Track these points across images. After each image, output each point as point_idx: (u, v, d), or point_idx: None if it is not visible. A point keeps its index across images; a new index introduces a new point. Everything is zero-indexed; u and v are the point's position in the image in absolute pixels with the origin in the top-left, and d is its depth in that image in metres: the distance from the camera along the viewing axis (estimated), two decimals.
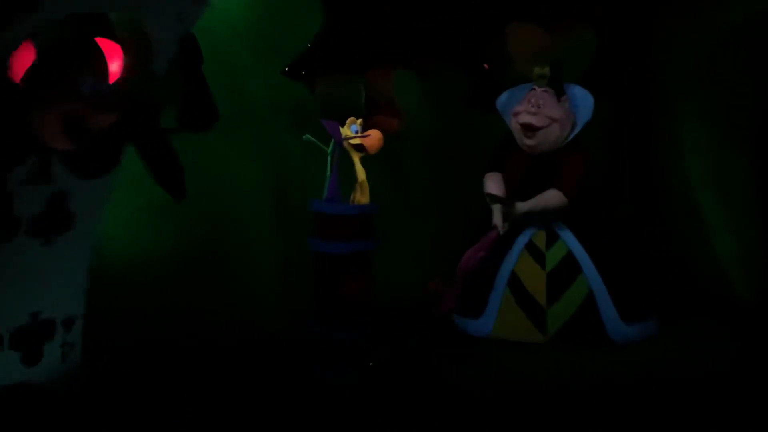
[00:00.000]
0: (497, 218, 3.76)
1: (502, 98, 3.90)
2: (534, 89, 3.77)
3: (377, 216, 3.29)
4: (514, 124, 3.81)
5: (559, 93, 3.74)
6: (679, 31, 4.34)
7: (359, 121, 3.26)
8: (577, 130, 3.75)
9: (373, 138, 3.21)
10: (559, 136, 3.71)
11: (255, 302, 3.48)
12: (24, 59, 2.13)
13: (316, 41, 3.83)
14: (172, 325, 3.20)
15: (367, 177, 3.60)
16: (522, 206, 3.72)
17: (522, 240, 3.76)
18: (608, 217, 3.92)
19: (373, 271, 3.24)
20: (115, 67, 2.26)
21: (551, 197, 3.68)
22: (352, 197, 3.24)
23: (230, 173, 3.47)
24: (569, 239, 3.71)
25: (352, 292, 3.11)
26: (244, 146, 3.55)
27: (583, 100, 3.77)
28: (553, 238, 3.73)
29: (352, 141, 3.18)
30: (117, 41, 2.26)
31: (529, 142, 3.73)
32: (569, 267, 3.68)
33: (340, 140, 3.13)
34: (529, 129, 3.70)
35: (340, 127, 3.19)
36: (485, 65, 4.60)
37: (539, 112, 3.68)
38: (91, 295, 2.67)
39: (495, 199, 3.76)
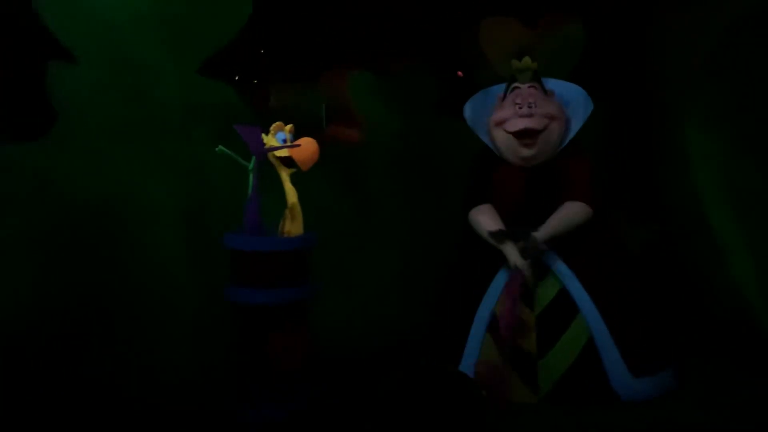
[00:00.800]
0: (515, 259, 2.97)
1: (469, 109, 3.22)
2: (518, 87, 3.07)
3: (326, 247, 2.68)
4: (499, 136, 3.11)
5: (543, 87, 3.10)
6: (680, 23, 3.87)
7: (289, 127, 2.55)
8: (575, 130, 3.09)
9: (305, 149, 2.50)
10: (558, 137, 3.05)
11: (162, 370, 2.75)
12: None
13: (246, 35, 3.11)
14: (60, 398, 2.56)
15: (321, 197, 3.11)
16: (543, 233, 2.97)
17: (503, 275, 3.05)
18: (610, 242, 3.21)
19: (328, 312, 2.70)
20: None
21: (574, 211, 2.99)
22: (280, 227, 2.51)
23: (131, 196, 2.78)
24: (563, 272, 3.01)
25: (283, 353, 2.36)
26: (150, 161, 2.86)
27: (571, 93, 3.11)
28: (542, 271, 3.03)
29: (277, 153, 2.45)
30: None
31: (527, 152, 3.03)
32: (564, 307, 2.98)
33: (258, 151, 2.40)
34: (527, 136, 3.00)
35: (264, 135, 2.46)
36: (459, 73, 4.17)
37: (534, 113, 2.99)
38: None
39: (503, 235, 2.98)
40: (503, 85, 3.19)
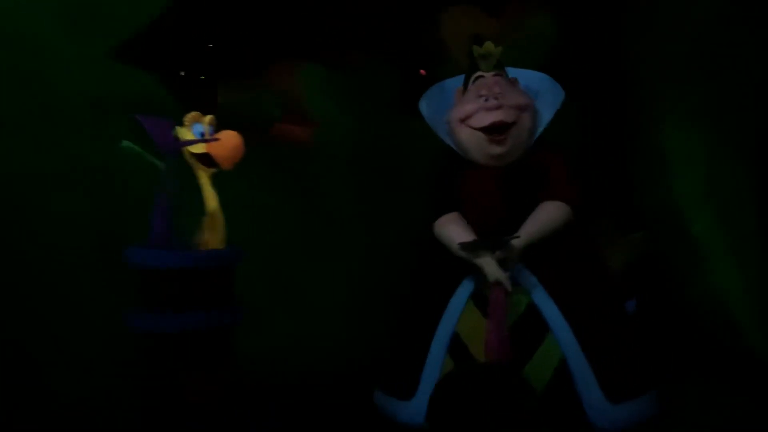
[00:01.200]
0: (494, 272, 2.58)
1: (426, 107, 2.88)
2: (482, 76, 2.73)
3: (270, 260, 2.48)
4: (464, 134, 2.76)
5: (507, 74, 2.79)
6: (657, 16, 3.64)
7: (208, 118, 2.19)
8: (546, 122, 2.77)
9: (225, 144, 2.13)
10: (529, 130, 2.73)
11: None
12: None
13: (174, 18, 2.74)
14: None
15: (265, 203, 2.88)
16: (522, 239, 2.60)
17: (466, 287, 2.71)
18: (586, 250, 2.90)
19: (268, 335, 2.46)
20: None
21: (554, 212, 2.65)
22: (197, 239, 2.13)
23: (27, 202, 2.39)
24: (532, 285, 2.67)
25: (198, 392, 1.98)
26: (50, 161, 2.47)
27: (536, 82, 2.81)
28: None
29: (191, 149, 2.08)
30: None
31: (499, 150, 2.69)
32: (533, 325, 2.64)
33: (166, 146, 2.03)
34: (498, 131, 2.65)
35: (177, 128, 2.09)
36: (422, 71, 3.81)
37: (503, 104, 2.65)
38: None
39: (478, 246, 2.60)
40: (461, 78, 2.86)
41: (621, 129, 3.91)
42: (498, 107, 2.65)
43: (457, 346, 2.68)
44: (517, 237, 2.58)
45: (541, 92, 2.80)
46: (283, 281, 3.05)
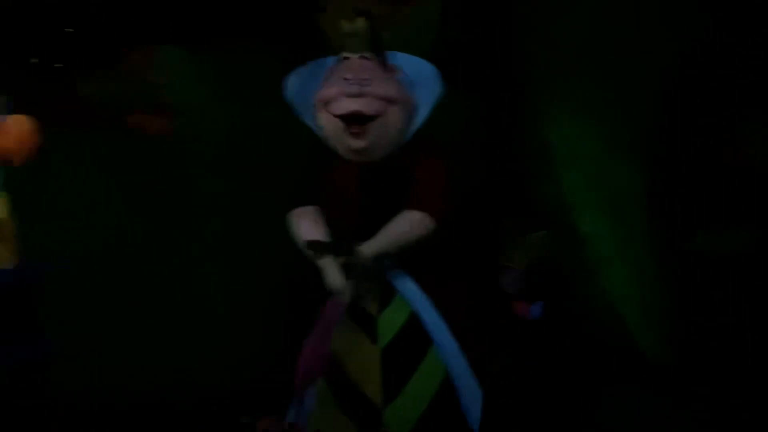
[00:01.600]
0: (334, 278, 2.35)
1: (292, 85, 2.56)
2: (346, 59, 2.42)
3: (118, 272, 2.10)
4: (324, 121, 2.45)
5: (384, 61, 2.44)
6: (548, 7, 3.47)
7: None
8: (421, 119, 2.48)
9: (10, 132, 1.71)
10: (400, 128, 2.42)
11: None
12: None
13: None
14: None
15: (114, 206, 2.59)
16: (369, 248, 2.35)
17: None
18: (474, 255, 2.70)
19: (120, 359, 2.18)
20: None
21: (410, 224, 2.38)
22: None
23: None
24: (412, 294, 2.41)
25: None
26: None
27: (419, 72, 2.50)
28: (388, 295, 2.42)
29: None
30: None
31: (357, 143, 2.38)
32: (415, 338, 2.38)
33: None
34: (355, 122, 2.34)
35: None
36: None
37: (366, 92, 2.34)
38: None
39: (320, 247, 2.37)
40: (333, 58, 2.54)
41: (513, 124, 3.70)
42: (359, 95, 2.33)
43: (330, 366, 2.38)
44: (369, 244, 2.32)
45: (422, 84, 2.51)
46: (131, 297, 2.65)
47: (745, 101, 3.41)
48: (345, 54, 2.43)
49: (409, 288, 2.41)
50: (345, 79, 2.36)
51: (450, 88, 2.76)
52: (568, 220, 3.38)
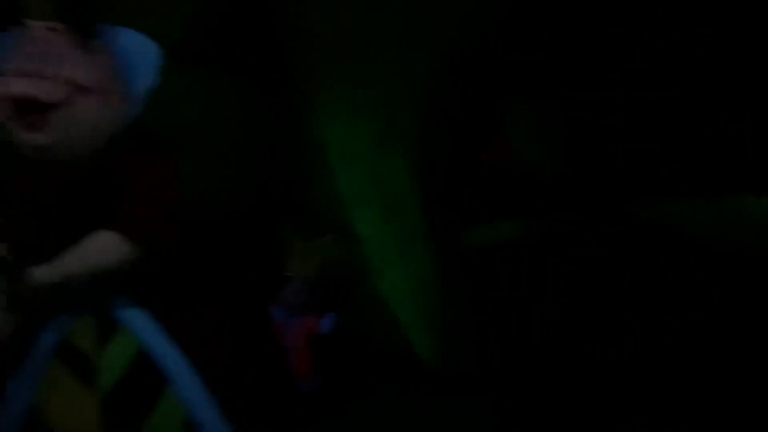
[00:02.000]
0: None
1: None
2: (30, 28, 1.91)
3: None
4: None
5: (85, 33, 1.93)
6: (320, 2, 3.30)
7: None
8: (134, 110, 2.02)
9: None
10: (96, 122, 1.94)
11: None
12: None
13: None
14: None
15: None
16: (43, 274, 1.90)
17: (47, 341, 1.95)
18: (223, 273, 2.35)
19: None
20: None
21: (100, 249, 1.94)
22: None
23: None
24: (141, 326, 2.00)
25: None
26: None
27: (136, 50, 2.03)
28: (109, 329, 1.98)
29: None
30: None
31: (35, 138, 1.88)
32: (145, 379, 1.98)
33: None
34: (27, 109, 1.85)
35: None
36: None
37: (47, 73, 1.85)
38: None
39: None
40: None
41: (284, 121, 3.51)
42: (37, 75, 1.84)
43: (36, 425, 1.90)
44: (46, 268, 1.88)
45: (135, 63, 2.05)
46: None
47: (510, 99, 3.53)
48: (29, 21, 1.91)
49: (136, 318, 1.98)
50: (22, 53, 1.86)
51: (202, 72, 2.43)
52: (345, 221, 3.27)
